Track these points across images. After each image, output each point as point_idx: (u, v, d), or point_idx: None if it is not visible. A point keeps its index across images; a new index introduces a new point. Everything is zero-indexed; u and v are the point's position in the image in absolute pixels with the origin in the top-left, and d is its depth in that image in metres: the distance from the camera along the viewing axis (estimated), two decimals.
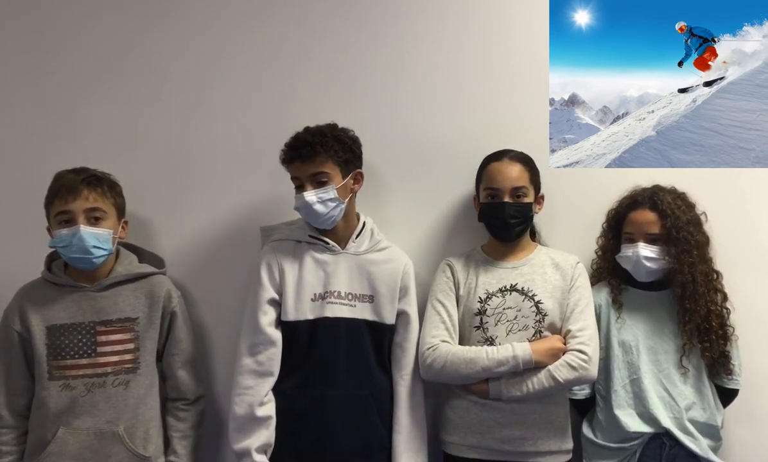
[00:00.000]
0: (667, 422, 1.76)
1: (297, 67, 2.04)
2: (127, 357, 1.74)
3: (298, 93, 2.03)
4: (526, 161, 1.85)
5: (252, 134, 2.03)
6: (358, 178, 1.83)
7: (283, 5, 2.05)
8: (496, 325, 1.79)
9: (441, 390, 1.88)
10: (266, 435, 1.69)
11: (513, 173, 1.81)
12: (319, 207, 1.72)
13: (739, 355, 1.85)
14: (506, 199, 1.80)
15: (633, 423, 1.78)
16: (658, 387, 1.79)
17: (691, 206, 1.84)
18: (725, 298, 1.84)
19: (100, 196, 1.72)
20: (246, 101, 2.04)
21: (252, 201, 2.03)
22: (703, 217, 1.86)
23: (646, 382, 1.79)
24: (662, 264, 1.81)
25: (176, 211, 2.03)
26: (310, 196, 1.72)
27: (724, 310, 1.83)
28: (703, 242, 1.82)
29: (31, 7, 2.04)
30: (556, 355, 1.72)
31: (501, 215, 1.81)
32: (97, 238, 1.69)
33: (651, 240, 1.81)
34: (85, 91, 2.03)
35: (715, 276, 1.84)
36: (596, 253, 1.96)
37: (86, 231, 1.68)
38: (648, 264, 1.80)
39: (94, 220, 1.70)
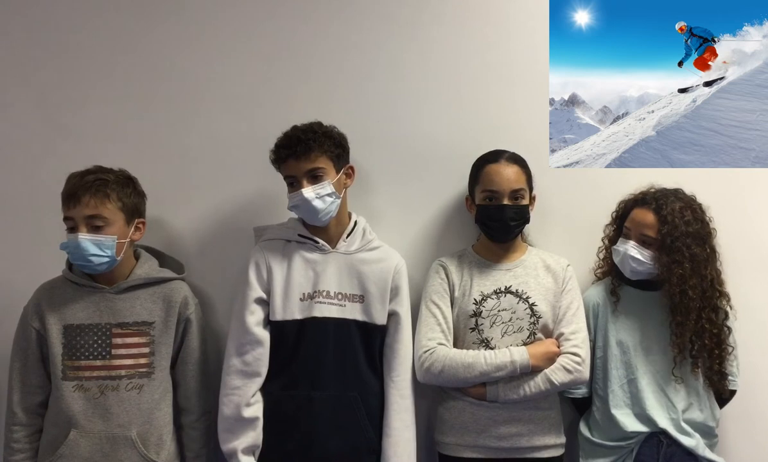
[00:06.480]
0: (664, 423, 1.77)
1: (297, 67, 2.04)
2: (142, 361, 1.74)
3: (299, 93, 2.03)
4: (521, 163, 1.85)
5: (258, 136, 1.98)
6: (350, 173, 1.82)
7: (283, 6, 2.05)
8: (491, 326, 1.79)
9: (435, 391, 1.90)
10: (253, 436, 1.69)
11: (512, 175, 1.80)
12: (317, 203, 1.71)
13: (738, 354, 1.83)
14: (506, 201, 1.79)
15: (630, 423, 1.79)
16: (655, 387, 1.79)
17: (699, 220, 1.77)
18: (727, 316, 1.79)
19: (101, 201, 1.68)
20: (246, 103, 2.04)
21: (265, 202, 2.03)
22: (713, 231, 1.79)
23: (643, 383, 1.79)
24: (649, 268, 1.78)
25: (184, 211, 2.04)
26: (308, 192, 1.71)
27: (725, 329, 1.78)
28: (702, 257, 1.74)
29: (35, 6, 2.05)
30: (551, 358, 1.74)
31: (501, 218, 1.80)
32: (98, 245, 1.67)
33: (644, 242, 1.78)
34: (86, 92, 2.04)
35: (716, 294, 1.77)
36: (600, 252, 1.95)
37: (84, 239, 1.65)
38: (633, 264, 1.78)
39: (94, 227, 1.67)
